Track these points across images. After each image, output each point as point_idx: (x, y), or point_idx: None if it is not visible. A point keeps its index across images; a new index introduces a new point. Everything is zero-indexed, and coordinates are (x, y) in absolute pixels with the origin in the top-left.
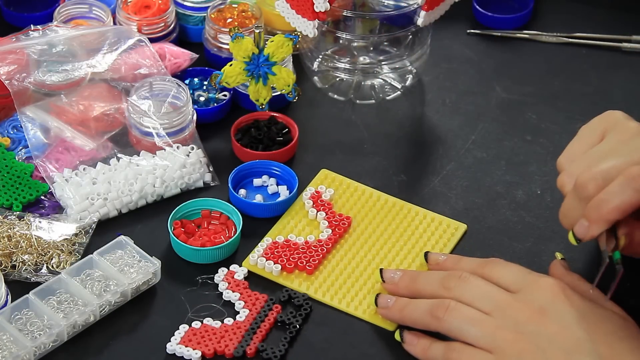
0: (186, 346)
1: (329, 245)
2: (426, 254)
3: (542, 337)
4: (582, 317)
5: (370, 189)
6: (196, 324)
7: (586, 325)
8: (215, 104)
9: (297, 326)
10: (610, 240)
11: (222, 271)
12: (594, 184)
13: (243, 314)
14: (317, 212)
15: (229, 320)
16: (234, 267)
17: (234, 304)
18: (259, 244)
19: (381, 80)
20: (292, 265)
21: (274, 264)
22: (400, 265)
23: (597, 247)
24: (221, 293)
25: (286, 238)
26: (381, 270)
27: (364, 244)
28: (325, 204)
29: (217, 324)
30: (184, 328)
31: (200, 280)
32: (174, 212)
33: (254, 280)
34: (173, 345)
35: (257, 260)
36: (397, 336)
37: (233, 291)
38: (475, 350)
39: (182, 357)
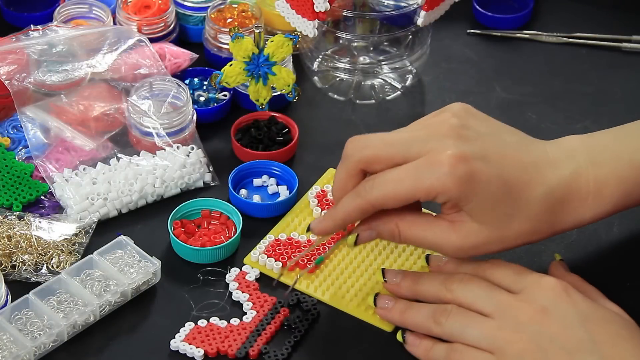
0: (190, 344)
1: (331, 245)
2: (428, 257)
3: (544, 337)
4: (584, 318)
5: None
6: (202, 322)
7: (588, 326)
8: (215, 104)
9: (303, 331)
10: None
11: (234, 271)
12: (350, 143)
13: (250, 315)
14: (322, 211)
15: (235, 321)
16: (246, 268)
17: (242, 304)
18: (261, 241)
19: (381, 80)
20: (294, 263)
21: (275, 261)
22: (402, 267)
23: (595, 249)
24: (224, 292)
25: (289, 236)
26: (383, 270)
27: (367, 244)
28: (330, 203)
29: (223, 323)
30: (189, 325)
31: (201, 278)
32: (174, 212)
33: (265, 282)
34: (177, 342)
35: (258, 257)
36: (399, 337)
37: (242, 292)
38: (477, 351)
39: (185, 354)
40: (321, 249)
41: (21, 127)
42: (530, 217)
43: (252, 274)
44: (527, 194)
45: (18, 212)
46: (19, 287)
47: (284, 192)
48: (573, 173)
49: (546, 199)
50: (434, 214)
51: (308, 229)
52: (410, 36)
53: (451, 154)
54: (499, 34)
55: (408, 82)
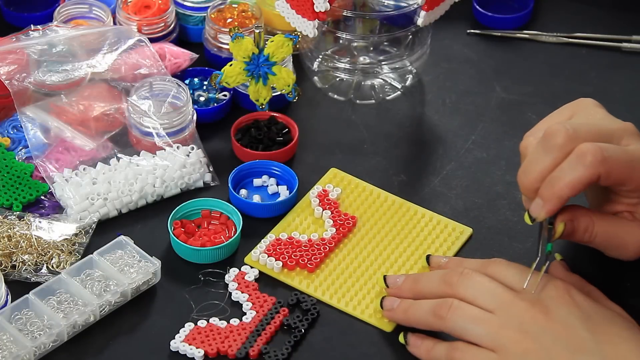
0: (190, 344)
1: (332, 244)
2: (428, 257)
3: (546, 336)
4: (586, 317)
5: (378, 189)
6: (202, 323)
7: (590, 325)
8: (215, 104)
9: (303, 330)
10: (549, 231)
11: (234, 271)
12: (564, 133)
13: (250, 315)
14: (323, 210)
15: (234, 321)
16: (245, 268)
17: (241, 304)
18: (262, 240)
19: (381, 80)
20: (294, 262)
21: (276, 260)
22: (403, 267)
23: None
24: (224, 292)
25: (289, 235)
26: (385, 277)
27: (368, 244)
28: (332, 203)
29: (222, 323)
30: (189, 326)
31: (202, 278)
32: (174, 212)
33: (265, 282)
34: (177, 343)
35: (259, 256)
36: (401, 339)
37: (242, 292)
38: (478, 350)
39: (185, 355)
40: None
41: (21, 127)
42: None
43: (251, 274)
44: None
45: (18, 212)
46: (19, 287)
47: (284, 192)
48: None
49: None
50: None
51: (532, 220)
52: (410, 36)
53: None
54: (499, 34)
55: (408, 82)
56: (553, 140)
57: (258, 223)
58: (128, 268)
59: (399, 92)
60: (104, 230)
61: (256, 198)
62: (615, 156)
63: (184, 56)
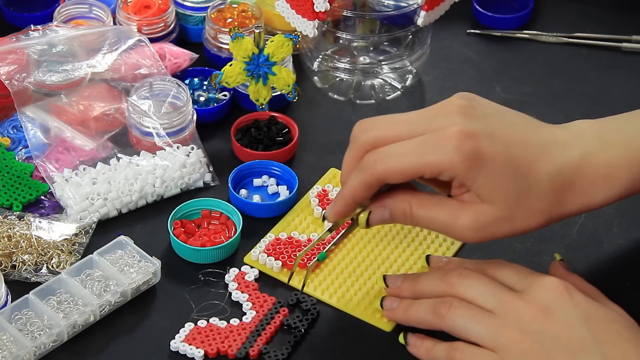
0: (190, 344)
1: (336, 236)
2: (428, 257)
3: (546, 337)
4: (586, 317)
5: None
6: (202, 323)
7: (591, 325)
8: (215, 104)
9: (303, 330)
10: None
11: (234, 271)
12: (357, 128)
13: (250, 315)
14: (322, 210)
15: (234, 321)
16: (245, 268)
17: (241, 304)
18: (262, 240)
19: (381, 80)
20: (293, 262)
21: (275, 260)
22: (402, 267)
23: (595, 249)
24: (224, 292)
25: (289, 235)
26: (384, 276)
27: (367, 244)
28: None
29: (222, 323)
30: (189, 326)
31: (202, 278)
32: (174, 212)
33: (264, 282)
34: (177, 343)
35: (258, 256)
36: (401, 339)
37: (242, 292)
38: (478, 350)
39: (185, 355)
40: (321, 247)
41: (21, 127)
42: (539, 197)
43: (251, 274)
44: (534, 173)
45: (18, 212)
46: (19, 287)
47: (284, 192)
48: (582, 155)
49: (554, 178)
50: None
51: (324, 219)
52: (410, 36)
53: (458, 130)
54: (499, 34)
55: (408, 82)
56: (352, 136)
57: (258, 223)
58: (128, 268)
59: (399, 92)
60: (104, 230)
61: (256, 198)
62: (388, 158)
63: (184, 56)
